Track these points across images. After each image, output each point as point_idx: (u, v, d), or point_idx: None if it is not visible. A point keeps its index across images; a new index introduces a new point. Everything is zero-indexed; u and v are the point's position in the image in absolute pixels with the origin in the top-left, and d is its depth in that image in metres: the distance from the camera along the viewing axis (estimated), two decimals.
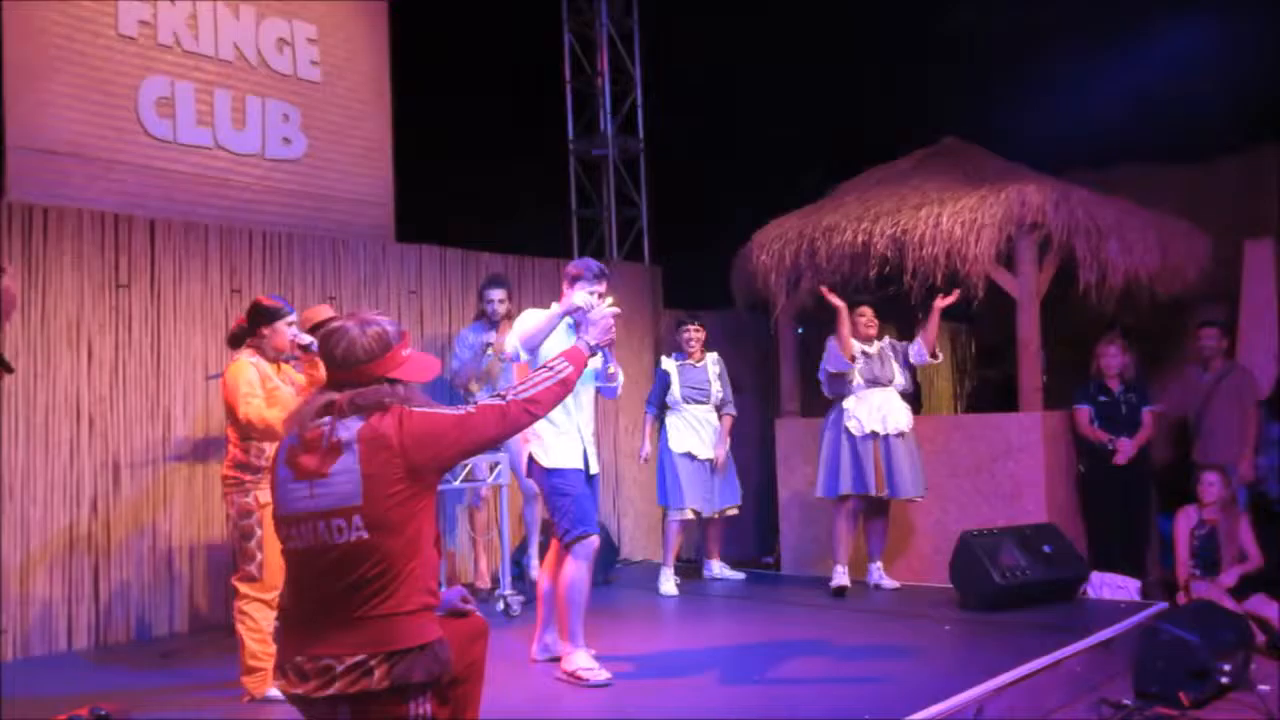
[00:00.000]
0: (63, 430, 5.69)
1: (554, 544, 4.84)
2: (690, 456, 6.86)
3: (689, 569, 7.34)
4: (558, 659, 4.85)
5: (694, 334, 7.05)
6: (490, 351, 6.67)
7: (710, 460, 6.88)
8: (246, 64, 7.18)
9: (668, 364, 7.02)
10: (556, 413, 4.61)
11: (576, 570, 4.60)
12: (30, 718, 4.25)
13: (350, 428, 2.67)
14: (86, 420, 5.78)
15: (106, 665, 5.38)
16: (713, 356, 7.10)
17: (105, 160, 6.44)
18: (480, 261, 7.74)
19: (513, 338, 4.65)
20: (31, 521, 5.55)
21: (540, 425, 4.59)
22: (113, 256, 5.96)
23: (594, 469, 4.80)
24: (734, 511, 7.04)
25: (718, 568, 7.19)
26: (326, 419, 2.71)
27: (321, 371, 4.55)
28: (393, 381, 2.77)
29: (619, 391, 4.98)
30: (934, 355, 6.56)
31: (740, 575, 7.19)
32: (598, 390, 4.97)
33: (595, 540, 4.63)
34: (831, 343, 6.55)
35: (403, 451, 2.63)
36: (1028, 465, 6.77)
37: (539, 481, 4.74)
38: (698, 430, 6.90)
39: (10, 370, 3.28)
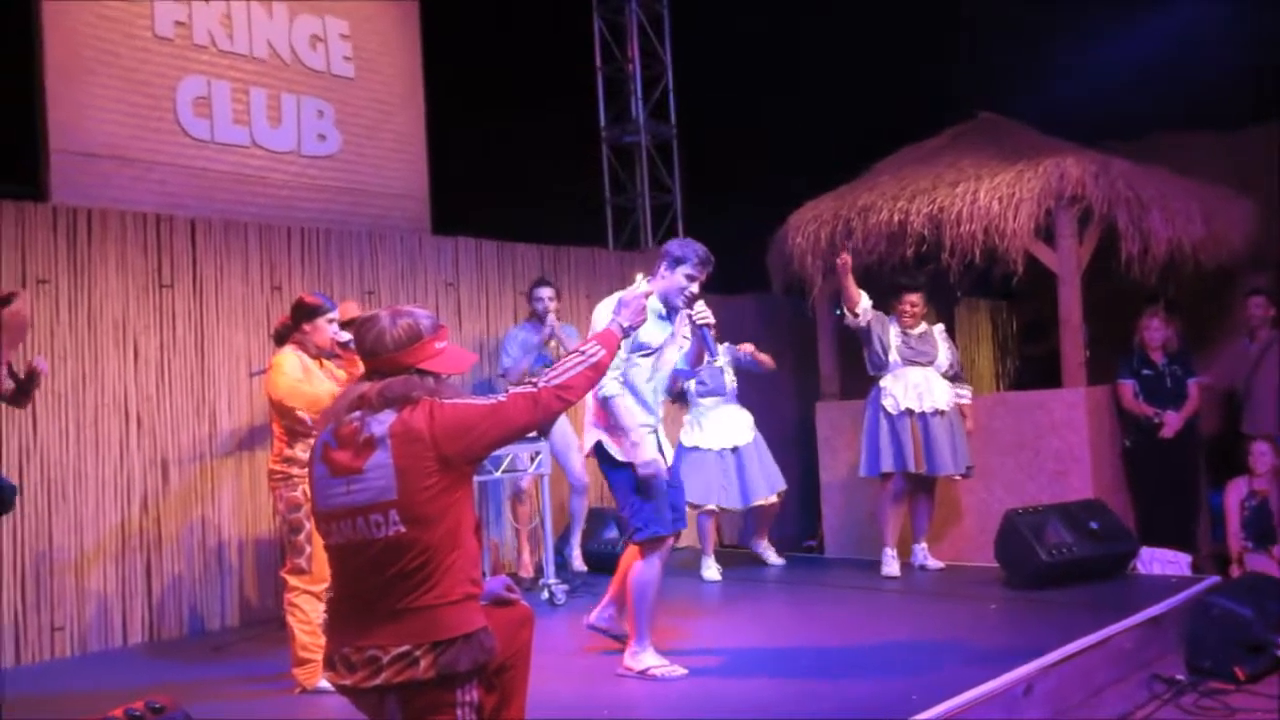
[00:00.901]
0: (112, 429, 5.78)
1: None
2: (704, 450, 6.70)
3: (733, 556, 7.32)
4: (614, 636, 4.82)
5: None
6: (551, 345, 6.71)
7: (733, 449, 6.75)
8: (280, 61, 7.23)
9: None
10: (635, 407, 4.43)
11: (648, 570, 4.43)
12: (88, 712, 4.33)
13: (383, 423, 2.68)
14: (135, 419, 5.87)
15: (161, 659, 5.47)
16: (724, 347, 6.86)
17: (145, 161, 6.52)
18: (516, 253, 7.77)
19: (604, 312, 4.28)
20: (85, 520, 5.65)
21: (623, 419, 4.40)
22: (155, 257, 6.04)
23: (669, 460, 4.60)
24: (771, 501, 6.90)
25: (763, 547, 7.15)
26: (358, 413, 2.74)
27: (360, 367, 4.64)
28: (423, 373, 2.78)
29: (696, 373, 4.81)
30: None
31: (780, 561, 7.14)
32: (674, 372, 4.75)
33: (670, 542, 4.47)
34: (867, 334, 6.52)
35: (435, 444, 2.64)
36: (1072, 442, 6.71)
37: (605, 473, 4.52)
38: (722, 422, 6.78)
39: (28, 392, 3.35)
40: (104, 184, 6.29)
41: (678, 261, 4.47)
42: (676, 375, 4.80)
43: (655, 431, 4.55)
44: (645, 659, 4.45)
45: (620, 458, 4.45)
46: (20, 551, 5.42)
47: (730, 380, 6.87)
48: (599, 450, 4.54)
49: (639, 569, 4.45)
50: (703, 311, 4.41)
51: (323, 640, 2.88)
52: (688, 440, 6.76)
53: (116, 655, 5.59)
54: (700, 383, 6.75)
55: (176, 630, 5.91)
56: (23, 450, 5.46)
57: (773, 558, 7.14)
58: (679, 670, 4.41)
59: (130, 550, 5.79)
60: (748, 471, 6.76)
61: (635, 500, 4.43)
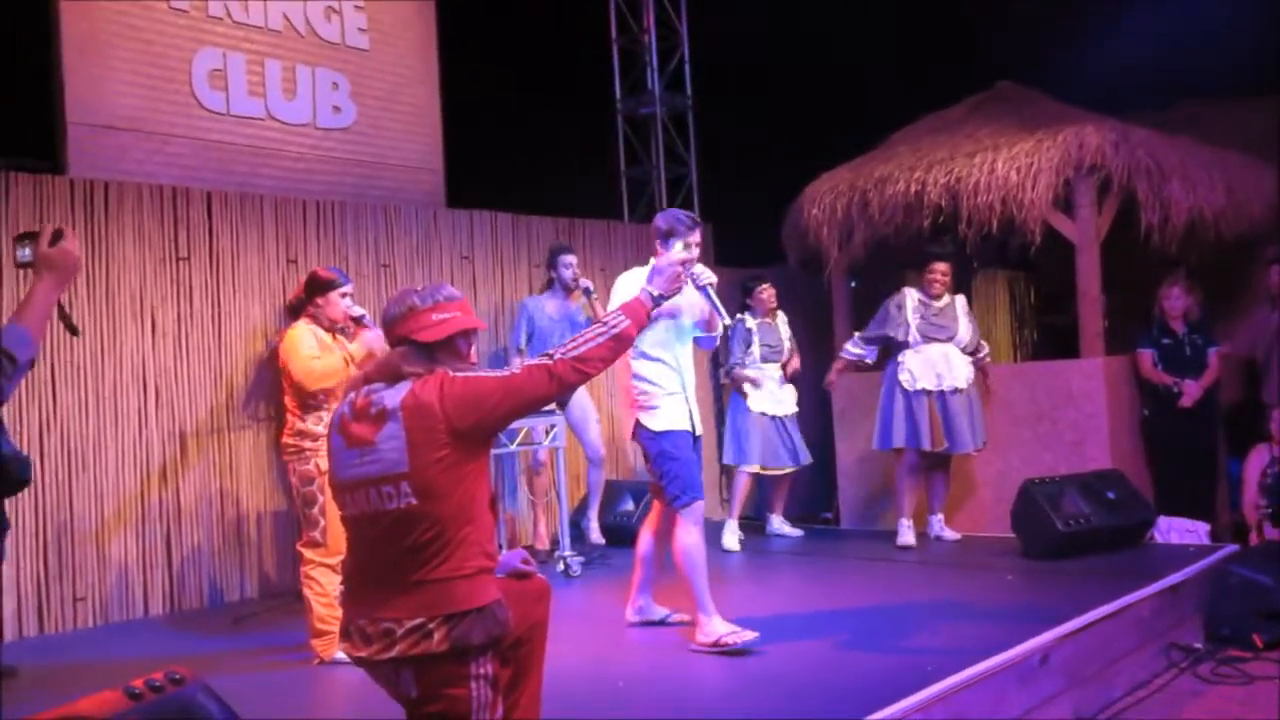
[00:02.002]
0: (130, 401, 5.82)
1: (655, 506, 4.71)
2: (765, 415, 6.87)
3: (749, 525, 7.35)
4: (652, 622, 4.81)
5: (771, 293, 7.08)
6: (587, 307, 6.74)
7: (786, 416, 6.94)
8: (295, 33, 7.21)
9: (750, 322, 6.99)
10: (662, 374, 4.47)
11: (690, 537, 4.38)
12: (109, 682, 4.37)
13: (395, 396, 2.69)
14: (153, 391, 5.89)
15: (181, 630, 5.53)
16: (782, 315, 7.17)
17: (162, 134, 6.52)
18: (531, 225, 7.76)
19: (625, 285, 4.38)
20: (104, 490, 5.69)
21: (647, 387, 4.47)
22: (172, 229, 6.05)
23: (699, 431, 4.56)
24: (788, 470, 7.05)
25: (778, 522, 7.21)
26: (369, 386, 2.76)
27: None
28: (417, 344, 2.76)
29: (717, 342, 4.73)
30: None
31: (798, 532, 7.20)
32: (696, 343, 4.69)
33: (702, 505, 4.45)
34: (880, 321, 6.60)
35: (446, 417, 2.63)
36: (1090, 412, 6.68)
37: (643, 444, 4.54)
38: (775, 389, 6.94)
39: (76, 333, 3.36)
40: (121, 157, 6.30)
41: (668, 235, 4.45)
42: (699, 344, 4.73)
43: (686, 399, 4.53)
44: (714, 628, 4.35)
45: (652, 426, 4.45)
46: (42, 522, 5.46)
47: (789, 346, 7.12)
48: (636, 427, 4.54)
49: (683, 539, 4.39)
50: (703, 272, 4.39)
51: (339, 612, 2.90)
52: (756, 405, 6.88)
53: (138, 626, 5.65)
54: (766, 344, 6.91)
55: (196, 601, 5.97)
56: (43, 421, 5.50)
57: (788, 530, 7.18)
58: (749, 634, 4.30)
59: (150, 521, 5.84)
60: (782, 439, 6.95)
61: (669, 467, 4.42)
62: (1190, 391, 6.81)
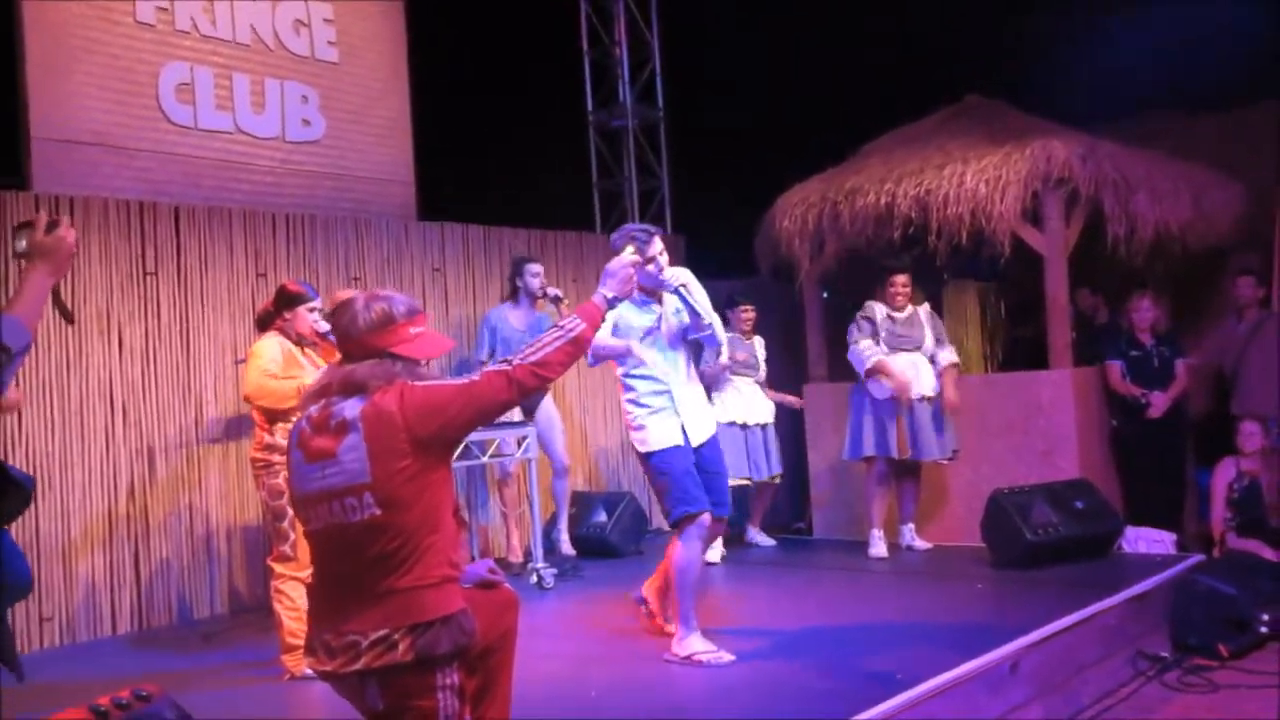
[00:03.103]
0: (97, 418, 5.76)
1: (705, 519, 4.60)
2: (737, 425, 6.82)
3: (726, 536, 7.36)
4: (646, 611, 4.78)
5: (750, 317, 7.11)
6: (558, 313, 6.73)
7: (759, 425, 6.91)
8: (264, 47, 7.18)
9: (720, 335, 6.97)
10: (646, 391, 4.45)
11: (686, 551, 4.37)
12: (76, 702, 4.32)
13: (354, 406, 2.67)
14: (120, 408, 5.84)
15: (150, 648, 5.48)
16: (759, 339, 7.17)
17: (129, 149, 6.47)
18: (503, 237, 7.75)
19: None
20: (71, 509, 5.64)
21: (631, 407, 4.47)
22: (139, 245, 6.01)
23: (697, 439, 4.48)
24: (764, 481, 7.03)
25: (753, 531, 7.22)
26: (329, 399, 2.74)
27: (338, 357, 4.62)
28: (395, 357, 2.75)
29: (719, 339, 4.68)
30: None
31: (771, 542, 7.21)
32: (697, 340, 4.65)
33: (706, 518, 4.35)
34: (856, 343, 6.52)
35: (407, 426, 2.62)
36: (1059, 423, 6.72)
37: (642, 466, 4.56)
38: (746, 400, 6.92)
39: (71, 320, 3.32)
40: (87, 172, 6.25)
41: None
42: (705, 342, 4.71)
43: (675, 411, 4.47)
44: (691, 644, 4.37)
45: (639, 448, 4.45)
46: None
47: (763, 365, 7.10)
48: (632, 446, 4.55)
49: (678, 552, 4.39)
50: (674, 275, 4.41)
51: None
52: (724, 415, 6.77)
53: (106, 644, 5.59)
54: (736, 361, 6.87)
55: (165, 618, 5.91)
56: (8, 439, 5.44)
57: (762, 540, 7.19)
58: (726, 656, 4.31)
59: (118, 539, 5.78)
60: (754, 449, 6.90)
61: (660, 484, 4.41)
62: (1158, 403, 6.87)
